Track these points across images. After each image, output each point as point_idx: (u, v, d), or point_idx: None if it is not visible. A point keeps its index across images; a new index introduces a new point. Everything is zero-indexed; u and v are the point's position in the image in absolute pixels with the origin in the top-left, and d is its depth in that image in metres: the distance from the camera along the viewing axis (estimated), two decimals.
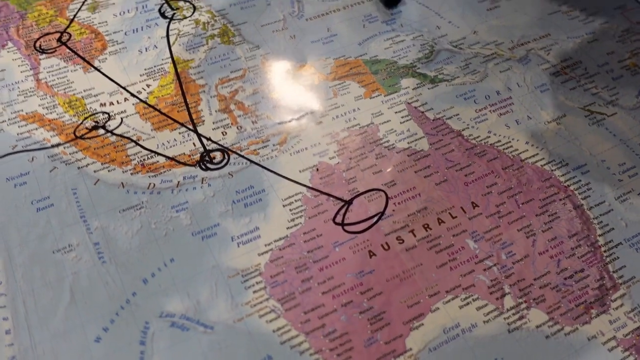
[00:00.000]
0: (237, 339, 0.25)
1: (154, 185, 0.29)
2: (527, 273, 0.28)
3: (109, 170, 0.29)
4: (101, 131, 0.31)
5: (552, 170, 0.31)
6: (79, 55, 0.34)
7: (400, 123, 0.33)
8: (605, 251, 0.29)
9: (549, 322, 0.27)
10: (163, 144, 0.31)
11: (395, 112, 0.33)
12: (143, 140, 0.31)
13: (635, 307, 0.27)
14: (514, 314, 0.27)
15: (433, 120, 0.33)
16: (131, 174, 0.29)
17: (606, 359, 0.26)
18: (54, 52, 0.34)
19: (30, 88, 0.32)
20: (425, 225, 0.29)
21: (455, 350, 0.25)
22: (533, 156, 0.32)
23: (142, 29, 0.36)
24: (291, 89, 0.34)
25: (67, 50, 0.34)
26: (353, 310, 0.26)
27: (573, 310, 0.27)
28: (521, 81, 0.35)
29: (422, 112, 0.33)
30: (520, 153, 0.32)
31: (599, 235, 0.29)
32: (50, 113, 0.31)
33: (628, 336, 0.26)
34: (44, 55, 0.34)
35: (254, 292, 0.26)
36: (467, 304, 0.27)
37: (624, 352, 0.26)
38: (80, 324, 0.25)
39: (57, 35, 0.35)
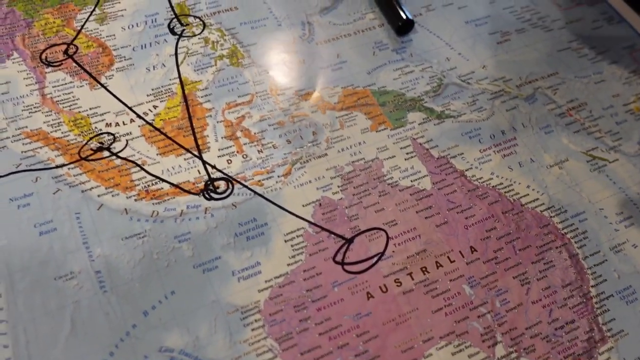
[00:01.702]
0: None
1: (158, 213, 0.29)
2: (520, 322, 0.28)
3: (112, 195, 0.29)
4: (106, 153, 0.31)
5: (551, 217, 0.32)
6: (85, 71, 0.33)
7: (405, 159, 0.33)
8: (596, 303, 0.30)
9: None
10: (168, 169, 0.31)
11: (401, 148, 0.33)
12: (148, 165, 0.31)
13: None
14: None
15: (437, 158, 0.33)
16: (135, 200, 0.29)
17: None
18: (60, 65, 0.34)
19: (36, 103, 0.32)
20: (424, 269, 0.29)
21: None
22: (533, 201, 0.32)
23: (150, 45, 0.35)
24: (298, 118, 0.34)
25: (74, 65, 0.34)
26: (348, 353, 0.27)
27: None
28: (526, 121, 0.35)
29: (427, 150, 0.33)
30: (521, 197, 0.32)
31: (592, 286, 0.30)
32: (55, 131, 0.31)
33: None
34: (50, 69, 0.33)
35: (252, 329, 0.27)
36: (460, 350, 0.27)
37: None
38: (80, 355, 0.25)
39: (64, 47, 0.34)
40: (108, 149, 0.31)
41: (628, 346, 0.28)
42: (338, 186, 0.31)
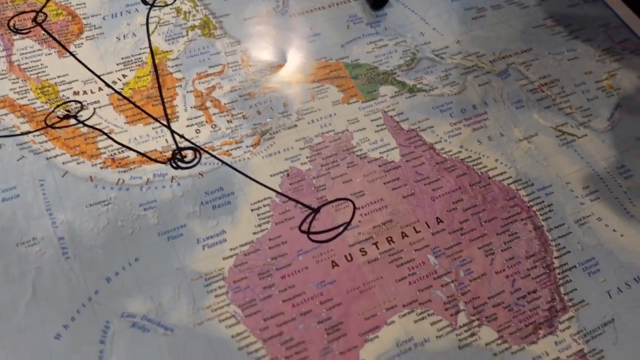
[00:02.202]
0: (196, 343, 0.26)
1: (123, 181, 0.29)
2: (483, 291, 0.29)
3: (78, 163, 0.29)
4: (72, 121, 0.30)
5: (517, 190, 0.32)
6: (54, 39, 0.33)
7: (375, 132, 0.33)
8: (559, 273, 0.30)
9: (498, 340, 0.28)
10: (135, 138, 0.30)
11: (371, 120, 0.33)
12: (115, 133, 0.30)
13: (581, 329, 0.29)
14: (465, 331, 0.28)
15: (407, 131, 0.33)
16: (100, 168, 0.29)
17: None
18: (28, 32, 0.33)
19: (2, 70, 0.32)
20: (389, 238, 0.29)
21: None
22: (501, 174, 0.32)
23: (121, 14, 0.35)
24: (269, 89, 0.34)
25: (42, 32, 0.33)
26: (311, 320, 0.27)
27: (522, 330, 0.28)
28: (498, 96, 0.35)
29: (397, 122, 0.33)
30: (489, 170, 0.32)
31: (555, 258, 0.30)
32: (22, 98, 0.31)
33: (571, 358, 0.28)
34: (18, 36, 0.33)
35: (216, 296, 0.27)
36: (422, 318, 0.28)
37: None
38: (41, 320, 0.25)
39: (33, 15, 0.34)
40: (75, 117, 0.31)
41: (588, 315, 0.29)
42: (307, 157, 0.31)
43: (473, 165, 0.33)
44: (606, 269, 0.30)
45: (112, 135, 0.30)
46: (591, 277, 0.30)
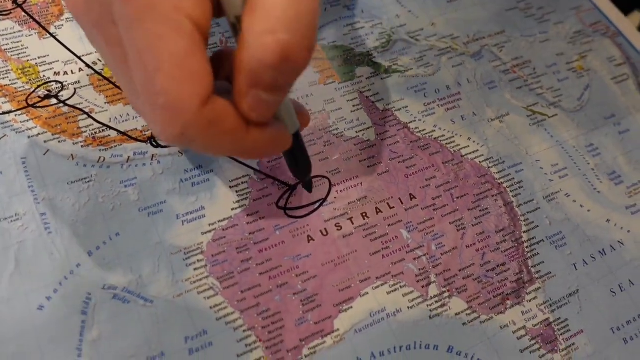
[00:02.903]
0: (175, 313, 0.26)
1: (104, 159, 0.30)
2: (454, 264, 0.30)
3: (59, 142, 0.30)
4: (53, 101, 0.31)
5: (489, 167, 0.33)
6: (34, 20, 0.33)
7: (351, 112, 0.34)
8: (527, 247, 0.31)
9: (467, 310, 0.29)
10: (116, 117, 0.31)
11: (347, 101, 0.34)
12: (96, 112, 0.31)
13: (547, 300, 0.30)
14: (436, 302, 0.29)
15: (382, 111, 0.34)
16: (82, 146, 0.30)
17: (514, 346, 0.28)
18: (9, 14, 0.34)
19: None
20: (364, 214, 0.30)
21: (379, 333, 0.28)
22: (473, 152, 0.34)
23: None
24: None
25: (23, 14, 0.34)
26: (287, 292, 0.28)
27: (491, 301, 0.29)
28: (471, 77, 0.36)
29: (373, 102, 0.34)
30: (461, 148, 0.34)
31: (524, 232, 0.32)
32: (3, 79, 0.31)
33: (537, 326, 0.29)
34: None
35: (195, 269, 0.28)
36: (395, 290, 0.29)
37: (530, 340, 0.29)
38: (24, 292, 0.26)
39: None
40: (56, 96, 0.31)
41: (554, 287, 0.30)
42: None
43: (446, 143, 0.34)
44: (573, 242, 0.32)
45: (92, 115, 0.31)
46: (558, 250, 0.31)
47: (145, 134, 0.31)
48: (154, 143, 0.30)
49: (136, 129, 0.31)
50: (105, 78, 0.32)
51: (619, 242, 0.32)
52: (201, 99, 0.21)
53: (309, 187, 0.30)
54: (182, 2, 0.20)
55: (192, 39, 0.20)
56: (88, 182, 0.29)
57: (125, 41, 0.21)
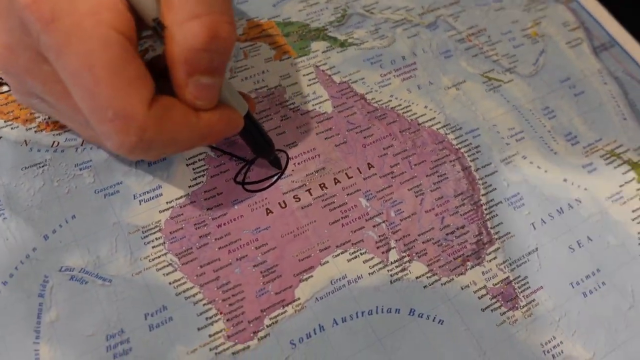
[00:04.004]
0: (134, 291, 0.26)
1: (58, 143, 0.30)
2: (413, 229, 0.30)
3: (12, 128, 0.30)
4: (5, 88, 0.31)
5: (446, 134, 0.33)
6: None
7: (307, 86, 0.34)
8: (486, 209, 0.32)
9: (428, 273, 0.29)
10: None
11: (303, 75, 0.34)
12: None
13: (506, 259, 0.30)
14: (397, 267, 0.29)
15: (339, 83, 0.34)
16: (35, 131, 0.30)
17: (475, 306, 0.29)
18: None
19: None
20: (322, 185, 0.31)
21: (341, 300, 0.28)
22: (430, 120, 0.34)
23: None
24: None
25: None
26: (247, 264, 0.28)
27: (451, 263, 0.30)
28: (427, 47, 0.37)
29: (329, 76, 0.34)
30: (418, 117, 0.34)
31: (482, 195, 0.32)
32: None
33: (497, 285, 0.29)
34: None
35: (153, 247, 0.28)
36: (355, 257, 0.29)
37: (491, 299, 0.29)
38: None
39: None
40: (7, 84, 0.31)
41: (513, 246, 0.31)
42: None
43: (403, 112, 0.34)
44: (531, 202, 0.32)
45: None
46: (516, 210, 0.32)
47: None
48: None
49: None
50: None
51: (576, 200, 0.33)
52: (146, 100, 0.21)
53: (277, 164, 0.31)
54: (102, 16, 0.21)
55: (122, 48, 0.21)
56: (42, 166, 0.29)
57: (60, 71, 0.21)
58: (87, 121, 0.23)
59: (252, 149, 0.30)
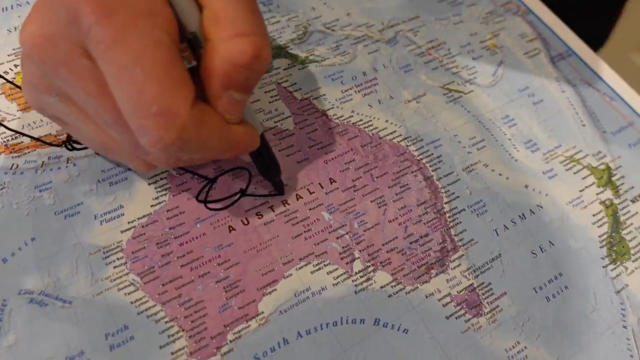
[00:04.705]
0: (95, 312, 0.26)
1: (17, 165, 0.30)
2: (377, 239, 0.30)
3: None
4: None
5: (407, 146, 0.34)
6: None
7: (269, 102, 0.34)
8: (449, 217, 0.32)
9: (392, 282, 0.29)
10: (29, 124, 0.31)
11: (265, 92, 0.35)
12: (8, 121, 0.31)
13: (470, 266, 0.30)
14: (361, 277, 0.29)
15: (300, 100, 0.35)
16: None
17: (440, 313, 0.29)
18: None
19: None
20: (284, 201, 0.31)
21: (305, 312, 0.28)
22: (391, 133, 0.34)
23: (12, 8, 0.35)
24: None
25: None
26: (209, 280, 0.28)
27: (415, 271, 0.30)
28: (387, 62, 0.37)
29: (291, 92, 0.35)
30: (379, 131, 0.34)
31: (445, 203, 0.32)
32: None
33: (461, 292, 0.30)
34: None
35: (115, 267, 0.28)
36: (319, 269, 0.29)
37: (456, 306, 0.29)
38: None
39: None
40: None
41: (477, 253, 0.31)
42: None
43: (364, 127, 0.34)
44: (493, 209, 0.33)
45: (4, 123, 0.31)
46: (479, 217, 0.32)
47: (59, 138, 0.31)
48: (69, 146, 0.30)
49: (50, 133, 0.31)
50: (17, 86, 0.32)
51: (537, 205, 0.33)
52: (190, 101, 0.23)
53: (279, 188, 0.31)
54: (157, 19, 0.22)
55: (172, 51, 0.22)
56: (1, 189, 0.29)
57: (106, 64, 0.22)
58: (113, 121, 0.24)
59: (260, 169, 0.30)
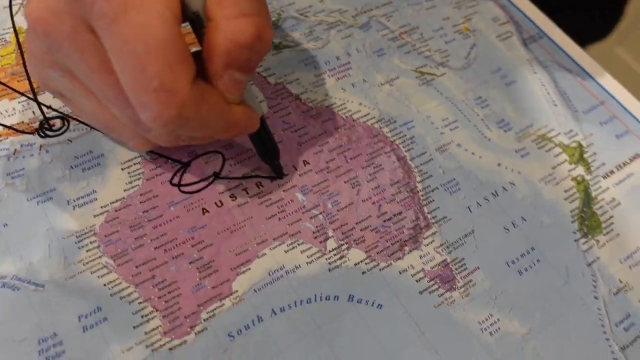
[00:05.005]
0: (68, 295, 0.26)
1: None
2: (350, 218, 0.31)
3: None
4: None
5: (380, 127, 0.34)
6: None
7: None
8: (422, 195, 0.32)
9: (366, 259, 0.30)
10: (1, 113, 0.31)
11: None
12: None
13: (443, 242, 0.31)
14: (335, 255, 0.29)
15: (274, 84, 0.35)
16: None
17: (413, 289, 0.29)
18: None
19: None
20: (258, 183, 0.31)
21: (279, 290, 0.28)
22: (365, 116, 0.35)
23: None
24: None
25: None
26: (183, 262, 0.28)
27: (389, 248, 0.30)
28: (360, 47, 0.38)
29: (265, 77, 0.35)
30: (353, 113, 0.35)
31: (418, 182, 0.33)
32: None
33: (434, 268, 0.30)
34: None
35: (87, 250, 0.28)
36: (293, 248, 0.29)
37: (429, 281, 0.29)
38: None
39: None
40: None
41: (450, 229, 0.31)
42: None
43: (338, 110, 0.35)
44: (466, 187, 0.33)
45: None
46: (452, 195, 0.33)
47: (32, 126, 0.31)
48: (41, 134, 0.31)
49: (23, 122, 0.31)
50: None
51: (510, 183, 0.34)
52: (191, 78, 0.23)
53: (278, 171, 0.31)
54: None
55: (174, 27, 0.22)
56: None
57: (109, 38, 0.22)
58: (115, 97, 0.24)
59: (259, 152, 0.30)
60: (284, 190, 0.31)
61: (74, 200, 0.29)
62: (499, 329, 0.29)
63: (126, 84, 0.23)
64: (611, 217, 0.33)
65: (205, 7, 0.23)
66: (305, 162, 0.32)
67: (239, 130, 0.27)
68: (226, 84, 0.24)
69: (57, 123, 0.31)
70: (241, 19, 0.23)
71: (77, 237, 0.28)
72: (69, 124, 0.31)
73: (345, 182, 0.32)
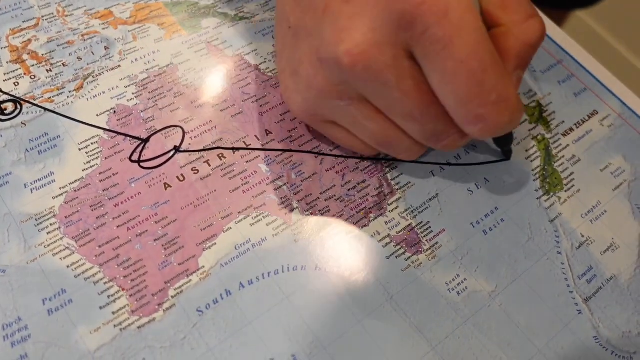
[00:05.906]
0: (30, 278, 0.26)
1: None
2: (314, 188, 0.31)
3: None
4: None
5: None
6: None
7: (199, 62, 0.34)
8: (385, 163, 0.32)
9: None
10: None
11: (195, 52, 0.34)
12: None
13: (408, 207, 0.31)
14: (300, 226, 0.30)
15: (232, 57, 0.34)
16: None
17: (380, 254, 0.29)
18: None
19: None
20: (220, 155, 0.31)
21: (246, 263, 0.28)
22: None
23: None
24: (88, 35, 0.34)
25: None
26: (147, 239, 0.28)
27: (354, 217, 0.30)
28: None
29: (222, 50, 0.35)
30: None
31: None
32: None
33: (400, 233, 0.30)
34: None
35: (48, 233, 0.27)
36: (258, 221, 0.29)
37: (395, 246, 0.30)
38: None
39: None
40: None
41: (414, 194, 0.32)
42: (133, 93, 0.32)
43: None
44: (429, 152, 0.33)
45: None
46: (415, 162, 0.33)
47: None
48: None
49: None
50: None
51: (472, 145, 0.34)
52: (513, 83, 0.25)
53: (508, 155, 0.33)
54: (476, 13, 0.23)
55: (490, 39, 0.24)
56: None
57: (439, 62, 0.23)
58: (421, 114, 0.25)
59: (495, 138, 0.32)
60: (247, 162, 0.31)
61: (31, 184, 0.28)
62: (466, 288, 0.29)
63: (455, 101, 0.24)
64: (572, 173, 0.34)
65: (485, 13, 0.25)
66: (268, 132, 0.32)
67: (516, 125, 0.27)
68: (515, 82, 0.26)
69: (9, 107, 0.30)
70: (531, 20, 0.25)
71: (36, 219, 0.27)
72: (21, 107, 0.30)
73: (308, 151, 0.32)
